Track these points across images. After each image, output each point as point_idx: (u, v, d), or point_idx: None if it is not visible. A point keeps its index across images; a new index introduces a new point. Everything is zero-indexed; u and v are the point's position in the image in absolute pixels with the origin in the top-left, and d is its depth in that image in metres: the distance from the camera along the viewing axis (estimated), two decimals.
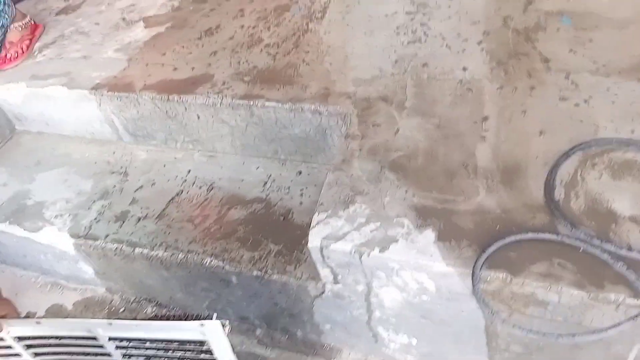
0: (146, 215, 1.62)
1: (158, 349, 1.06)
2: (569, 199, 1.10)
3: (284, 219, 1.51)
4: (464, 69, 1.44)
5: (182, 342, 1.03)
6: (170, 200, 1.65)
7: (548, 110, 1.28)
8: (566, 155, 1.17)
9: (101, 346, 1.08)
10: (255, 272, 1.40)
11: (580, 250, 1.02)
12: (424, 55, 1.51)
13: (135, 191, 1.71)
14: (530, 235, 1.05)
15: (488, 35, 1.52)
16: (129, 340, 1.05)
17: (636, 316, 0.97)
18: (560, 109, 1.27)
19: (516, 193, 1.14)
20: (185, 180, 1.70)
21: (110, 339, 1.06)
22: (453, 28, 1.57)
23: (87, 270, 1.70)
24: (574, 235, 1.04)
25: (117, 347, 1.08)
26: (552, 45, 1.43)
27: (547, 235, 1.05)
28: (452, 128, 1.31)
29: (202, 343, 1.01)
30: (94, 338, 1.06)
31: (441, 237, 1.11)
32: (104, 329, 1.04)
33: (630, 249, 1.00)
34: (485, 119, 1.30)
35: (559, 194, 1.12)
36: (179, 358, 1.07)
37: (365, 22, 1.69)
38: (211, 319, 0.94)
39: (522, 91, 1.34)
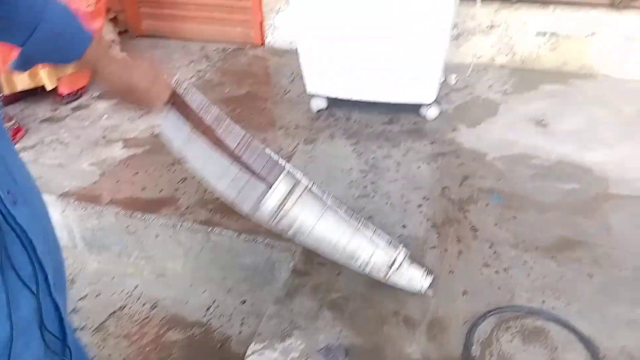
0: (84, 326, 1.63)
1: None
2: (484, 357, 1.22)
3: (221, 346, 1.54)
4: (404, 226, 1.62)
5: None
6: (111, 314, 1.67)
7: (472, 274, 1.44)
8: (484, 316, 1.30)
9: None
10: None
11: None
12: (371, 209, 1.70)
13: (78, 300, 1.72)
14: None
15: (427, 200, 1.72)
16: None
17: None
18: (482, 274, 1.44)
19: (438, 346, 1.25)
20: (131, 295, 1.74)
21: None
22: (398, 190, 1.78)
23: None
24: None
25: None
26: (481, 218, 1.64)
27: None
28: None
29: None
30: None
31: None
32: None
33: None
34: None
35: (475, 351, 1.23)
36: None
37: (324, 173, 1.89)
38: None
39: (451, 253, 1.51)
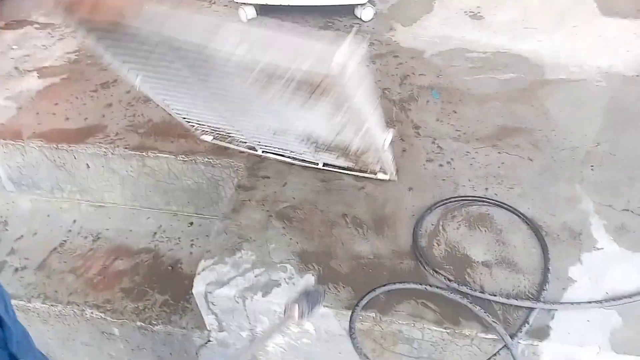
0: (25, 266, 1.55)
1: None
2: (432, 246, 1.24)
3: (172, 269, 1.51)
4: None
5: None
6: (52, 251, 1.59)
7: (417, 170, 1.44)
8: (430, 209, 1.32)
9: None
10: (138, 323, 1.38)
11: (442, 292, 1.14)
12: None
13: (15, 241, 1.63)
14: (398, 285, 1.16)
15: None
16: None
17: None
18: (427, 169, 1.44)
19: (387, 241, 1.26)
20: (70, 231, 1.66)
21: None
22: None
23: None
24: (435, 283, 1.16)
25: None
26: (423, 115, 1.62)
27: (412, 285, 1.16)
28: (335, 182, 1.42)
29: None
30: None
31: (320, 281, 1.18)
32: None
33: (482, 291, 1.14)
34: None
35: (423, 242, 1.25)
36: None
37: None
38: None
39: (395, 153, 1.49)
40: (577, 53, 1.83)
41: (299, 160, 1.44)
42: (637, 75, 1.71)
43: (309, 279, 1.19)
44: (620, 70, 1.74)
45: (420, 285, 1.15)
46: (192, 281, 1.22)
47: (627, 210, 1.30)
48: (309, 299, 0.98)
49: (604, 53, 1.82)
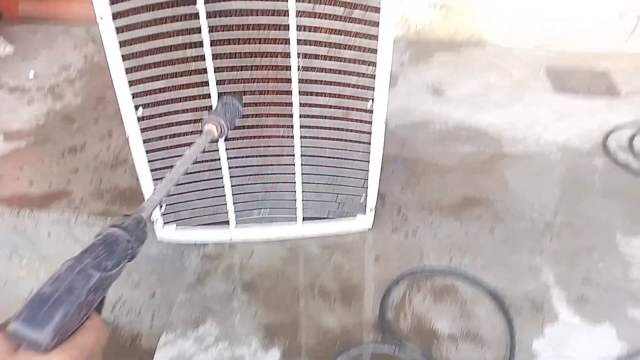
0: None
1: None
2: (399, 318, 1.24)
3: (131, 343, 1.46)
4: None
5: None
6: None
7: (383, 240, 1.46)
8: (396, 280, 1.33)
9: None
10: None
11: None
12: None
13: None
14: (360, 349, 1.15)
15: None
16: None
17: None
18: (393, 239, 1.46)
19: (354, 314, 1.25)
20: (26, 300, 1.59)
21: None
22: None
23: None
24: (402, 357, 1.15)
25: None
26: (388, 185, 1.66)
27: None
28: (302, 251, 1.42)
29: None
30: None
31: (286, 355, 1.16)
32: None
33: None
34: None
35: (390, 315, 1.25)
36: None
37: None
38: None
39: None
40: (534, 127, 1.93)
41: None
42: (590, 150, 1.81)
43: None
44: (575, 145, 1.83)
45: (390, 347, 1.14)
46: (152, 357, 1.17)
47: (587, 279, 1.34)
48: (227, 113, 0.94)
49: (559, 128, 1.93)
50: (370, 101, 1.23)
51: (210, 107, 1.19)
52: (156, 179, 1.31)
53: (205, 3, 1.07)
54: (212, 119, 1.01)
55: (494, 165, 1.75)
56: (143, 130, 1.23)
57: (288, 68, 1.17)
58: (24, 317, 0.43)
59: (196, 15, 1.09)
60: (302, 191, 1.39)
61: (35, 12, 2.90)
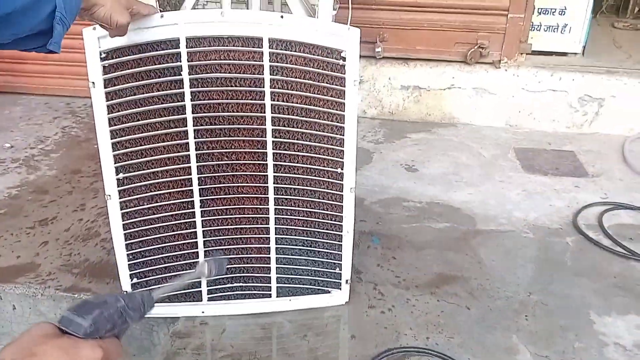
0: None
1: None
2: None
3: None
4: None
5: None
6: None
7: (359, 317, 1.44)
8: None
9: None
10: None
11: None
12: None
13: None
14: None
15: None
16: None
17: None
18: (369, 316, 1.44)
19: None
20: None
21: None
22: None
23: None
24: None
25: None
26: (364, 260, 1.66)
27: None
28: (276, 329, 1.38)
29: None
30: None
31: None
32: None
33: None
34: None
35: None
36: None
37: None
38: None
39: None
40: (505, 205, 1.98)
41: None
42: (560, 228, 1.85)
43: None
44: (544, 223, 1.88)
45: None
46: None
47: None
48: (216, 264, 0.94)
49: (529, 206, 1.98)
50: (340, 167, 1.33)
51: (190, 169, 1.26)
52: (130, 244, 1.31)
53: (188, 74, 1.17)
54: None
55: (468, 242, 1.77)
56: (121, 193, 1.27)
57: (263, 132, 1.25)
58: (74, 308, 0.58)
59: (180, 83, 1.19)
60: (277, 265, 1.38)
61: (15, 84, 2.94)
